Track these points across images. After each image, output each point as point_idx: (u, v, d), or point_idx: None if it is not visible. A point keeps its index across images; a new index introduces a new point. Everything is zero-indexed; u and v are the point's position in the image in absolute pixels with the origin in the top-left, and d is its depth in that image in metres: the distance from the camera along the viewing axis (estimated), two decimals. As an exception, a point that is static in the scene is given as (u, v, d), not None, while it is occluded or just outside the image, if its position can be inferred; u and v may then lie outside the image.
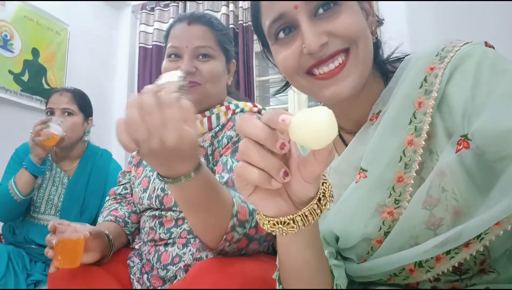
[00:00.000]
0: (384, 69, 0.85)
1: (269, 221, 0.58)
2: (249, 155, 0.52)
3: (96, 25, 3.49)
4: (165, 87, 0.76)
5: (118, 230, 1.35)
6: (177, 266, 1.17)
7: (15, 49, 2.68)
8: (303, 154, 0.56)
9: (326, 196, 0.58)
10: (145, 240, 1.30)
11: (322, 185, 0.58)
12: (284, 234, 0.58)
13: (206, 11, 3.38)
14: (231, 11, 3.33)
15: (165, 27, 3.55)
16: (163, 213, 1.25)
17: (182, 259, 1.17)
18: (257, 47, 3.29)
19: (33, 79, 2.81)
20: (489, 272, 0.73)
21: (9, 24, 2.63)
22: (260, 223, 0.60)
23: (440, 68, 0.73)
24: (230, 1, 3.36)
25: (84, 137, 2.19)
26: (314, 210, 0.57)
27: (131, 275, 1.26)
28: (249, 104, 1.36)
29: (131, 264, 1.28)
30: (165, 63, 1.30)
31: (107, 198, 1.52)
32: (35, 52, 2.83)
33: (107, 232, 1.26)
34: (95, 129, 2.29)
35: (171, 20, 3.45)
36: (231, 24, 3.31)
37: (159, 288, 1.18)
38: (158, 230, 1.25)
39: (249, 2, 3.16)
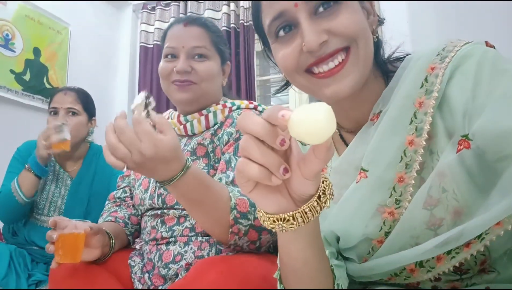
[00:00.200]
0: (385, 68, 0.85)
1: (269, 218, 0.59)
2: (250, 151, 0.53)
3: (97, 24, 3.49)
4: (135, 110, 0.91)
5: (118, 229, 1.36)
6: (179, 264, 1.17)
7: (17, 49, 2.68)
8: (303, 151, 0.56)
9: (326, 193, 0.59)
10: (147, 239, 1.30)
11: (323, 183, 0.59)
12: (284, 231, 0.59)
13: (207, 10, 3.39)
14: (232, 10, 3.33)
15: (166, 26, 3.54)
16: (165, 211, 1.26)
17: (184, 257, 1.18)
18: (258, 46, 3.29)
19: (35, 79, 2.81)
20: (490, 271, 0.73)
21: (10, 23, 2.63)
22: (260, 220, 0.61)
23: (441, 68, 0.73)
24: (231, 1, 3.36)
25: (88, 138, 2.16)
26: (314, 207, 0.58)
27: (132, 275, 1.26)
28: (245, 102, 1.39)
29: (132, 264, 1.28)
30: (162, 63, 1.33)
31: (107, 202, 1.53)
32: (36, 51, 2.84)
33: (107, 231, 1.26)
34: (96, 128, 2.25)
35: (172, 19, 3.46)
36: (232, 23, 3.31)
37: (160, 287, 1.19)
38: (159, 228, 1.25)
39: (250, 1, 3.16)
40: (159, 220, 1.28)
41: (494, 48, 0.74)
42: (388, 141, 0.75)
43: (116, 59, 3.71)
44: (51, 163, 2.04)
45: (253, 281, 0.93)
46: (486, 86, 0.67)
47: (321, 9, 0.74)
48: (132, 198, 1.47)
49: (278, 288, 0.77)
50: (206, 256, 1.17)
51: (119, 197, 1.50)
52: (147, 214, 1.33)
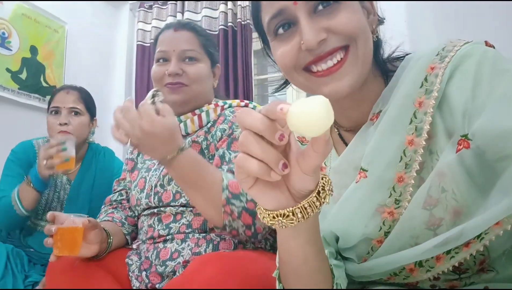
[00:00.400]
0: (384, 68, 0.85)
1: (268, 215, 0.59)
2: (249, 147, 0.53)
3: (94, 22, 3.48)
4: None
5: (116, 228, 1.37)
6: (176, 261, 1.18)
7: (13, 47, 2.67)
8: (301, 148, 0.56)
9: (326, 189, 0.59)
10: (144, 239, 1.32)
11: (322, 179, 0.59)
12: (283, 227, 0.59)
13: (204, 9, 3.38)
14: (229, 9, 3.32)
15: (163, 25, 3.53)
16: (161, 209, 1.27)
17: (181, 254, 1.19)
18: (255, 45, 3.29)
19: (32, 77, 2.79)
20: (488, 271, 0.73)
21: (7, 22, 2.62)
22: (260, 217, 0.61)
23: (441, 67, 0.73)
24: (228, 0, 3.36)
25: (89, 138, 2.10)
26: (313, 203, 0.58)
27: (129, 273, 1.26)
28: (236, 100, 1.44)
29: (130, 262, 1.29)
30: (154, 67, 1.37)
31: (103, 206, 1.54)
32: (33, 50, 2.82)
33: (106, 228, 1.28)
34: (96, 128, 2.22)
35: (169, 18, 3.45)
36: (230, 22, 3.30)
37: (157, 285, 1.19)
38: (156, 227, 1.27)
39: (248, 0, 3.16)
40: (155, 218, 1.29)
41: (494, 47, 0.74)
42: (387, 141, 0.75)
43: (113, 58, 3.70)
44: None
45: (251, 277, 0.93)
46: (486, 86, 0.67)
47: (320, 7, 0.74)
48: (128, 201, 1.49)
49: (277, 288, 0.77)
50: (204, 253, 1.18)
51: (115, 200, 1.52)
52: (144, 214, 1.34)
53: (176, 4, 3.53)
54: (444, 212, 0.69)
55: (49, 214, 1.16)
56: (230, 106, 1.41)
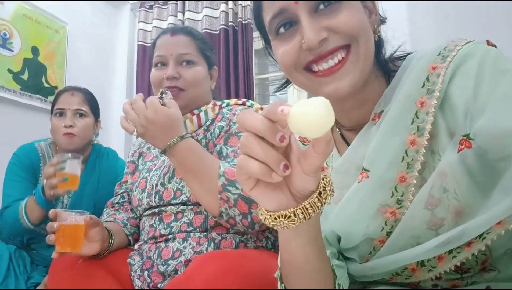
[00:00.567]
0: (386, 68, 0.85)
1: (270, 216, 0.59)
2: (250, 148, 0.53)
3: (95, 23, 3.48)
4: None
5: (118, 228, 1.38)
6: (178, 260, 1.19)
7: (15, 48, 2.67)
8: (302, 148, 0.57)
9: (327, 190, 0.59)
10: (145, 239, 1.33)
11: (323, 179, 0.59)
12: (285, 227, 0.59)
13: (205, 8, 3.38)
14: (230, 8, 3.32)
15: (164, 25, 3.54)
16: (162, 209, 1.29)
17: (183, 253, 1.20)
18: (256, 45, 3.28)
19: (33, 78, 2.79)
20: (490, 270, 0.73)
21: (8, 22, 2.62)
22: (262, 218, 0.61)
23: (442, 67, 0.73)
24: (229, -1, 3.36)
25: (93, 140, 2.08)
26: (315, 203, 0.58)
27: (131, 273, 1.27)
28: (234, 99, 1.47)
29: (132, 262, 1.30)
30: (153, 71, 1.40)
31: (105, 209, 1.56)
32: (34, 50, 2.82)
33: (108, 228, 1.29)
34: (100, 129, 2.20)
35: (170, 18, 3.45)
36: (230, 21, 3.30)
37: (159, 284, 1.20)
38: (158, 226, 1.28)
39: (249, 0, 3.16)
40: (157, 218, 1.30)
41: (496, 47, 0.74)
42: (389, 140, 0.75)
43: (114, 58, 3.70)
44: None
45: (252, 275, 0.94)
46: (487, 86, 0.67)
47: (321, 6, 0.74)
48: (130, 203, 1.51)
49: (279, 288, 0.77)
50: (205, 252, 1.19)
51: (117, 203, 1.54)
52: (145, 214, 1.36)
53: (177, 4, 3.53)
54: (446, 212, 0.69)
55: (51, 212, 1.17)
56: (228, 105, 1.44)
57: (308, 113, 0.48)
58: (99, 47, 3.53)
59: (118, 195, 1.56)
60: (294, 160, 0.56)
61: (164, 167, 1.34)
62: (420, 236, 0.72)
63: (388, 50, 0.87)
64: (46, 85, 2.89)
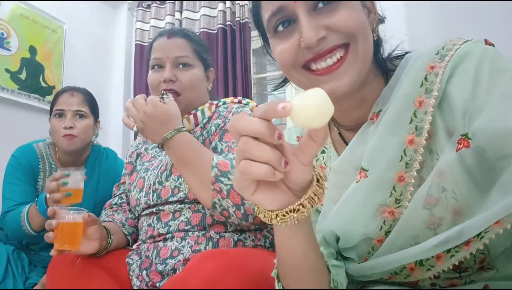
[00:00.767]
0: (384, 67, 0.85)
1: (276, 215, 0.60)
2: (252, 152, 0.54)
3: (92, 22, 3.47)
4: None
5: (116, 227, 1.39)
6: (176, 259, 1.20)
7: (12, 47, 2.66)
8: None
9: (322, 176, 0.62)
10: (144, 238, 1.33)
11: (314, 168, 0.61)
12: (296, 221, 0.60)
13: (202, 8, 3.38)
14: (228, 7, 3.32)
15: (161, 24, 3.53)
16: (160, 208, 1.29)
17: (181, 252, 1.20)
18: (254, 44, 3.28)
19: (31, 77, 2.78)
20: (488, 269, 0.73)
21: (5, 22, 2.61)
22: (267, 220, 0.61)
23: (441, 66, 0.73)
24: (226, -1, 3.36)
25: (93, 141, 2.07)
26: (317, 190, 0.60)
27: (130, 272, 1.28)
28: (231, 98, 1.49)
29: (130, 262, 1.30)
30: (150, 74, 1.41)
31: (103, 211, 1.55)
32: (32, 50, 2.81)
33: (106, 227, 1.29)
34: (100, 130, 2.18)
35: (167, 17, 3.45)
36: (228, 20, 3.30)
37: (157, 283, 1.20)
38: (156, 225, 1.29)
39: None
40: (154, 217, 1.31)
41: (494, 46, 0.74)
42: (388, 140, 0.75)
43: (111, 57, 3.69)
44: (52, 171, 1.94)
45: (251, 273, 0.94)
46: (485, 85, 0.67)
47: (320, 5, 0.74)
48: (128, 204, 1.51)
49: (276, 287, 0.77)
50: (203, 250, 1.19)
51: (115, 204, 1.54)
52: (143, 214, 1.36)
53: (174, 3, 3.53)
54: (444, 211, 0.69)
55: (50, 210, 1.17)
56: (224, 103, 1.46)
57: (311, 105, 0.50)
58: (96, 46, 3.52)
59: (116, 196, 1.56)
60: (290, 155, 0.57)
61: (161, 166, 1.35)
62: (418, 235, 0.72)
63: (386, 50, 0.87)
64: (43, 84, 2.89)
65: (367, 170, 0.77)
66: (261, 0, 0.81)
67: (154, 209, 1.31)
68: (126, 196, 1.54)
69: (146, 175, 1.38)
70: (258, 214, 0.62)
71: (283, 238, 0.68)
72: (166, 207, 1.28)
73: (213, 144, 1.33)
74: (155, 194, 1.30)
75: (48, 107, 2.03)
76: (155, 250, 1.25)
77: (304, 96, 0.51)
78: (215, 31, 3.33)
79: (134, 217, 1.47)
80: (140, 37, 3.59)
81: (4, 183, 1.88)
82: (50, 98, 2.81)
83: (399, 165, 0.74)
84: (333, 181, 0.86)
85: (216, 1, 3.37)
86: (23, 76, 2.73)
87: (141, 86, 3.45)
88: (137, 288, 1.23)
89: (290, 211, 0.59)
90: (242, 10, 3.26)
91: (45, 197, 1.62)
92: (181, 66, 1.39)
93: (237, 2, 3.27)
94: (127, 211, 1.50)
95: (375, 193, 0.76)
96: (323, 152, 0.93)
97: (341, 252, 0.86)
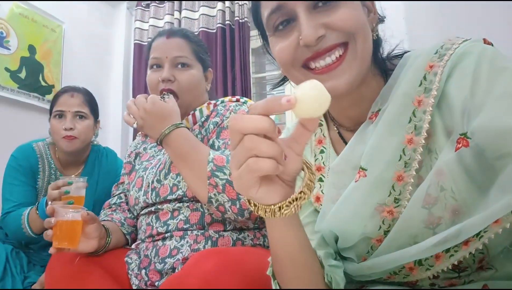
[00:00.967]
0: (384, 66, 0.85)
1: (280, 208, 0.61)
2: (260, 148, 0.55)
3: (91, 22, 3.47)
4: None
5: (115, 226, 1.39)
6: (175, 258, 1.20)
7: (11, 46, 2.66)
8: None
9: (308, 163, 0.65)
10: (143, 238, 1.33)
11: None
12: (299, 209, 0.62)
13: (202, 7, 3.38)
14: (227, 7, 3.32)
15: (160, 23, 3.53)
16: (159, 207, 1.30)
17: (180, 251, 1.20)
18: (253, 43, 3.28)
19: (31, 76, 2.78)
20: (487, 269, 0.73)
21: (4, 21, 2.61)
22: (268, 215, 0.62)
23: (440, 66, 0.73)
24: (225, -2, 3.36)
25: (93, 141, 2.06)
26: (310, 176, 0.63)
27: (129, 271, 1.28)
28: (228, 97, 1.50)
29: (129, 261, 1.30)
30: (149, 74, 1.42)
31: (102, 210, 1.56)
32: (31, 49, 2.80)
33: (105, 226, 1.29)
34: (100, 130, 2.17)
35: (166, 17, 3.44)
36: (227, 20, 3.30)
37: (156, 282, 1.20)
38: (154, 224, 1.29)
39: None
40: (153, 216, 1.31)
41: (492, 45, 0.74)
42: (387, 139, 0.75)
43: (110, 57, 3.69)
44: (52, 171, 1.95)
45: (249, 271, 0.94)
46: (484, 84, 0.67)
47: (320, 4, 0.74)
48: (127, 203, 1.52)
49: (272, 285, 0.77)
50: (202, 249, 1.19)
51: (114, 203, 1.54)
52: (142, 213, 1.36)
53: (173, 2, 3.53)
54: (443, 211, 0.69)
55: (48, 208, 1.18)
56: (222, 102, 1.47)
57: (312, 96, 0.54)
58: (95, 46, 3.52)
59: (115, 196, 1.56)
60: (285, 147, 0.59)
61: (160, 165, 1.35)
62: (417, 235, 0.72)
63: (386, 49, 0.87)
64: (43, 83, 2.89)
65: (366, 170, 0.76)
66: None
67: (152, 208, 1.31)
68: (125, 195, 1.54)
69: (145, 174, 1.38)
70: (257, 212, 0.63)
71: (279, 233, 0.69)
72: (165, 206, 1.28)
73: (211, 141, 1.34)
74: (153, 193, 1.30)
75: (47, 106, 2.03)
76: (154, 249, 1.25)
77: (303, 88, 0.54)
78: (214, 31, 3.33)
79: (133, 216, 1.47)
80: (139, 37, 3.59)
81: (3, 184, 1.88)
82: (49, 97, 2.81)
83: (398, 165, 0.74)
84: (332, 181, 0.86)
85: (215, 1, 3.37)
86: (22, 75, 2.73)
87: (140, 86, 3.45)
88: (136, 287, 1.23)
89: (293, 200, 0.61)
90: (241, 10, 3.26)
91: (46, 201, 1.62)
92: (179, 66, 1.39)
93: (236, 1, 3.28)
94: (126, 211, 1.50)
95: (374, 192, 0.76)
96: (322, 151, 0.93)
97: (340, 252, 0.86)
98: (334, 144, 0.92)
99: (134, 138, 1.52)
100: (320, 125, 0.95)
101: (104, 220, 1.40)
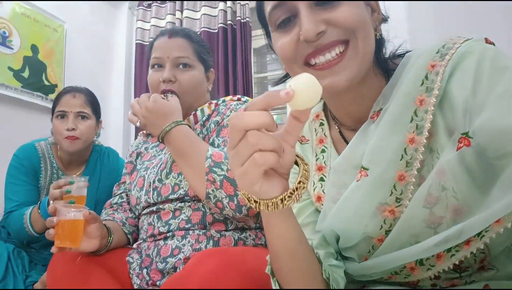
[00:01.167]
0: (385, 66, 0.85)
1: (282, 199, 0.62)
2: (264, 143, 0.56)
3: (92, 21, 3.47)
4: None
5: (117, 226, 1.39)
6: (177, 257, 1.20)
7: (14, 46, 2.66)
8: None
9: (300, 156, 0.67)
10: (144, 237, 1.33)
11: None
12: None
13: (203, 7, 3.38)
14: (228, 7, 3.32)
15: (162, 23, 3.53)
16: (160, 206, 1.30)
17: (182, 250, 1.21)
18: (255, 43, 3.28)
19: (34, 76, 2.78)
20: (489, 269, 0.73)
21: (7, 21, 2.61)
22: (271, 208, 0.63)
23: (441, 65, 0.72)
24: (227, -2, 3.36)
25: (95, 141, 2.07)
26: (305, 166, 0.65)
27: (130, 271, 1.28)
28: (230, 96, 1.51)
29: (131, 260, 1.30)
30: (150, 73, 1.42)
31: (103, 210, 1.56)
32: (34, 48, 2.81)
33: (107, 225, 1.29)
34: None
35: (168, 16, 3.45)
36: (229, 20, 3.30)
37: (157, 282, 1.21)
38: (156, 224, 1.29)
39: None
40: (155, 216, 1.31)
41: (494, 45, 0.74)
42: (388, 139, 0.75)
43: (112, 57, 3.69)
44: (54, 170, 1.96)
45: (251, 271, 0.94)
46: (486, 84, 0.67)
47: (322, 0, 0.74)
48: (129, 203, 1.52)
49: (271, 283, 0.77)
50: (204, 249, 1.19)
51: (116, 203, 1.54)
52: (143, 213, 1.36)
53: (175, 2, 3.53)
54: (444, 211, 0.69)
55: (51, 207, 1.17)
56: (223, 101, 1.47)
57: (306, 88, 0.56)
58: (97, 45, 3.52)
59: (117, 196, 1.56)
60: (281, 140, 0.60)
61: (161, 164, 1.35)
62: (418, 234, 0.72)
63: (389, 50, 0.87)
64: (46, 83, 2.89)
65: (367, 169, 0.76)
66: None
67: (154, 208, 1.31)
68: (127, 195, 1.54)
69: (146, 173, 1.38)
70: (258, 208, 0.63)
71: (278, 228, 0.69)
72: (167, 205, 1.28)
73: (211, 140, 1.34)
74: (155, 192, 1.30)
75: (51, 105, 2.02)
76: (156, 249, 1.25)
77: (297, 81, 0.56)
78: (216, 31, 3.33)
79: (134, 216, 1.47)
80: (140, 36, 3.60)
81: (6, 183, 1.89)
82: (52, 96, 2.80)
83: (400, 164, 0.74)
84: (333, 180, 0.86)
85: (217, 1, 3.37)
86: (25, 74, 2.73)
87: (141, 85, 3.45)
88: (137, 286, 1.23)
89: (294, 190, 0.62)
90: (243, 10, 3.26)
91: (48, 201, 1.63)
92: (181, 66, 1.39)
93: (238, 1, 3.27)
94: (128, 211, 1.50)
95: (376, 192, 0.76)
96: (323, 151, 0.93)
97: (341, 251, 0.86)
98: (336, 144, 0.92)
99: (135, 138, 1.52)
100: (322, 124, 0.95)
101: (106, 220, 1.40)
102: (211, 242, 1.21)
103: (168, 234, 1.25)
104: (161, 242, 1.25)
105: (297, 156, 0.66)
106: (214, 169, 1.15)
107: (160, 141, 1.24)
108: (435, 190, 0.69)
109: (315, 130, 0.96)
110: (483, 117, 0.64)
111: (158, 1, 3.61)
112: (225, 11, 3.34)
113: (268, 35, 0.90)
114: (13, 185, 1.87)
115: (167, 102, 1.27)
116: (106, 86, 3.57)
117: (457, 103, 0.70)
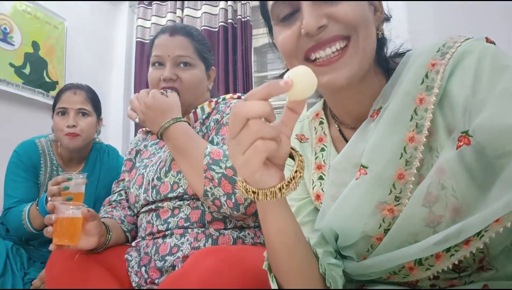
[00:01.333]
0: (386, 66, 0.85)
1: (280, 188, 0.62)
2: (264, 131, 0.57)
3: (93, 19, 3.46)
4: None
5: (115, 224, 1.39)
6: (175, 256, 1.20)
7: (15, 42, 2.65)
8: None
9: (295, 148, 0.68)
10: (143, 235, 1.33)
11: None
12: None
13: (204, 5, 3.37)
14: (229, 5, 3.31)
15: (162, 22, 3.53)
16: (159, 205, 1.30)
17: (180, 249, 1.20)
18: (255, 42, 3.27)
19: (35, 72, 2.77)
20: (488, 269, 0.73)
21: (8, 17, 2.60)
22: (270, 197, 0.63)
23: (442, 64, 0.72)
24: (228, -4, 3.35)
25: (95, 138, 2.08)
26: (300, 157, 0.66)
27: (129, 269, 1.28)
28: (230, 94, 1.51)
29: (129, 258, 1.30)
30: (150, 71, 1.41)
31: (102, 207, 1.56)
32: (35, 45, 2.80)
33: (105, 223, 1.29)
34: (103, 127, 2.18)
35: (168, 15, 3.44)
36: (230, 19, 3.29)
37: (156, 280, 1.21)
38: (155, 222, 1.29)
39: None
40: (154, 214, 1.31)
41: (494, 44, 0.74)
42: (388, 137, 0.75)
43: (112, 54, 3.68)
44: (54, 167, 1.96)
45: (249, 269, 0.94)
46: (486, 82, 0.67)
47: None
48: (127, 201, 1.52)
49: (269, 280, 0.77)
50: (203, 247, 1.19)
51: (114, 200, 1.54)
52: (142, 211, 1.36)
53: (176, 1, 3.52)
54: (444, 209, 0.69)
55: (49, 204, 1.17)
56: (223, 99, 1.48)
57: (303, 79, 0.58)
58: (97, 43, 3.51)
59: (116, 193, 1.56)
60: (278, 131, 0.61)
61: (160, 162, 1.35)
62: (418, 233, 0.72)
63: (390, 49, 0.87)
64: (47, 79, 2.88)
65: (366, 167, 0.76)
66: None
67: (153, 206, 1.31)
68: (125, 193, 1.54)
69: (145, 171, 1.38)
70: (257, 198, 0.63)
71: (275, 222, 0.69)
72: (165, 204, 1.28)
73: (210, 138, 1.34)
74: (154, 191, 1.30)
75: (52, 102, 2.02)
76: (154, 247, 1.25)
77: (294, 72, 0.58)
78: (216, 29, 3.33)
79: (133, 214, 1.47)
80: (141, 35, 3.59)
81: (6, 180, 1.89)
82: (54, 93, 2.80)
83: (399, 163, 0.74)
84: (333, 178, 0.86)
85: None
86: (27, 70, 2.72)
87: (141, 83, 3.45)
88: (135, 284, 1.23)
89: (291, 179, 0.63)
90: (243, 8, 3.25)
91: (46, 198, 1.62)
92: (182, 65, 1.38)
93: (239, 0, 3.27)
94: (126, 208, 1.50)
95: (375, 190, 0.76)
96: (322, 149, 0.93)
97: (339, 250, 0.86)
98: (335, 142, 0.92)
99: (135, 136, 1.52)
100: (321, 123, 0.95)
101: (104, 217, 1.40)
102: (210, 240, 1.21)
103: (166, 232, 1.25)
104: (160, 240, 1.25)
105: (292, 148, 0.67)
106: (213, 166, 1.15)
107: (159, 137, 1.24)
108: (434, 188, 0.69)
109: (315, 128, 0.96)
110: (483, 115, 0.64)
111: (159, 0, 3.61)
112: (226, 10, 3.33)
113: (270, 31, 0.90)
114: (13, 181, 1.87)
115: (166, 98, 1.27)
116: (106, 84, 3.56)
117: (457, 102, 0.69)
